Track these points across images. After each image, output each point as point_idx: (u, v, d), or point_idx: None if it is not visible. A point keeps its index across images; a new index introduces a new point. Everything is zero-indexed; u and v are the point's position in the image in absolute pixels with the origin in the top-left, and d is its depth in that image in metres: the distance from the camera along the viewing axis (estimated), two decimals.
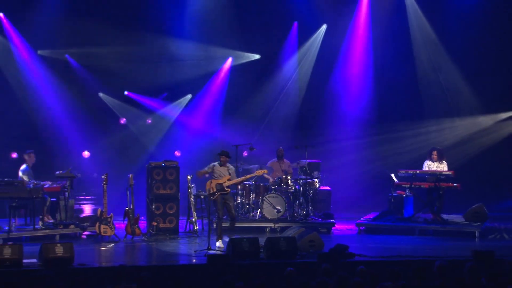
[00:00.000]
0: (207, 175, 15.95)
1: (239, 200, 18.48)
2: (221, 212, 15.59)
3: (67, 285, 10.19)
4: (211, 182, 15.56)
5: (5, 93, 20.66)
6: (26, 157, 17.91)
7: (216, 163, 15.87)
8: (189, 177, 17.98)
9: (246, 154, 19.51)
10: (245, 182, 16.37)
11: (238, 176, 16.39)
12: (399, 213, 18.65)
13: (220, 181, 15.50)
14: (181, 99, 22.55)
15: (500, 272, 10.42)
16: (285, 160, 19.37)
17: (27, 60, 21.05)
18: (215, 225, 16.76)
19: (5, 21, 20.67)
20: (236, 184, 16.72)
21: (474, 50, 21.45)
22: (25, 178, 17.34)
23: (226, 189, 15.49)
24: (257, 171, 16.47)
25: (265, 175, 18.35)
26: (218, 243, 15.28)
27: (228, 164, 15.85)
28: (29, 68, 21.09)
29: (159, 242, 16.49)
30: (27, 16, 20.56)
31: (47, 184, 17.37)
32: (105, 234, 16.42)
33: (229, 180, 15.57)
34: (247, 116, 22.43)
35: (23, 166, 17.71)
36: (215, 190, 15.47)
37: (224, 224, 15.82)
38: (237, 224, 16.08)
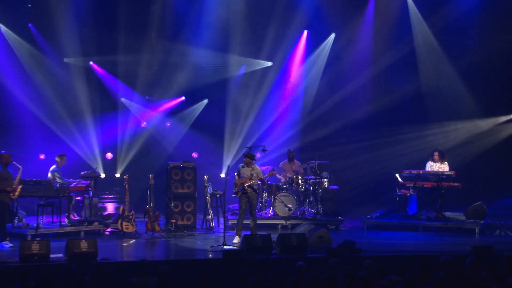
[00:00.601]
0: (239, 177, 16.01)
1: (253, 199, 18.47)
2: (241, 210, 15.79)
3: (92, 278, 10.20)
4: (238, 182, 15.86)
5: (35, 98, 20.72)
6: (58, 159, 17.91)
7: (240, 165, 16.10)
8: (205, 177, 18.04)
9: (259, 155, 19.48)
10: (258, 182, 16.41)
11: None
12: (404, 211, 18.65)
13: (242, 181, 15.66)
14: (198, 104, 22.54)
15: (499, 265, 10.39)
16: (295, 161, 19.35)
17: (54, 67, 21.11)
18: (230, 222, 16.99)
19: (34, 31, 20.74)
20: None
21: (474, 58, 21.37)
22: (53, 178, 17.37)
23: (246, 188, 15.62)
24: (269, 173, 16.55)
25: (277, 175, 18.74)
26: (235, 240, 15.31)
27: (253, 165, 15.93)
28: (56, 74, 21.13)
29: (178, 238, 16.52)
30: (54, 27, 20.59)
31: (73, 183, 17.44)
32: (127, 231, 16.42)
33: (250, 179, 15.69)
34: (260, 119, 22.42)
35: (53, 167, 17.74)
36: (238, 190, 15.71)
37: (245, 221, 15.90)
38: (249, 222, 16.03)
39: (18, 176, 14.92)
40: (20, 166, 15.24)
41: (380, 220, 18.39)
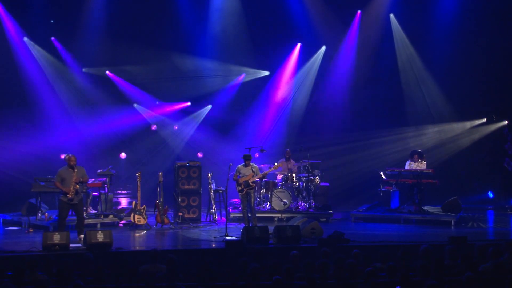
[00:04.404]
0: (238, 176, 16.03)
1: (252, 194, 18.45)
2: (244, 204, 15.99)
3: (107, 266, 10.18)
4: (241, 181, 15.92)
5: (57, 106, 20.72)
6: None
7: (240, 165, 16.11)
8: (209, 175, 18.05)
9: (257, 155, 19.45)
10: (257, 180, 16.47)
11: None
12: (387, 205, 18.70)
13: (246, 179, 15.78)
14: (203, 109, 22.48)
15: (471, 254, 10.41)
16: (291, 160, 19.32)
17: (75, 77, 21.11)
18: (231, 215, 17.04)
19: (56, 44, 20.73)
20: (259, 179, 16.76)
21: (450, 68, 21.36)
22: None
23: (251, 184, 15.82)
24: (275, 165, 16.88)
25: (276, 172, 18.95)
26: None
27: (251, 164, 16.05)
28: (76, 83, 21.14)
29: (184, 229, 16.52)
30: (74, 40, 20.59)
31: (91, 180, 17.38)
32: (138, 223, 16.42)
33: (253, 177, 15.82)
34: (259, 123, 22.39)
35: None
36: (243, 187, 15.81)
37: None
38: (249, 215, 16.02)
39: (74, 177, 14.54)
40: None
41: (366, 213, 18.37)
